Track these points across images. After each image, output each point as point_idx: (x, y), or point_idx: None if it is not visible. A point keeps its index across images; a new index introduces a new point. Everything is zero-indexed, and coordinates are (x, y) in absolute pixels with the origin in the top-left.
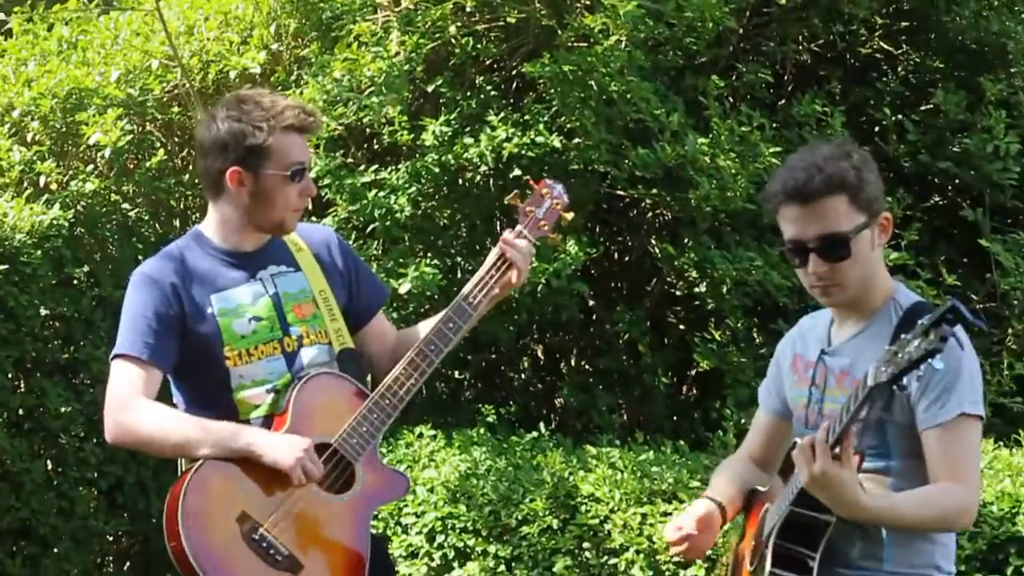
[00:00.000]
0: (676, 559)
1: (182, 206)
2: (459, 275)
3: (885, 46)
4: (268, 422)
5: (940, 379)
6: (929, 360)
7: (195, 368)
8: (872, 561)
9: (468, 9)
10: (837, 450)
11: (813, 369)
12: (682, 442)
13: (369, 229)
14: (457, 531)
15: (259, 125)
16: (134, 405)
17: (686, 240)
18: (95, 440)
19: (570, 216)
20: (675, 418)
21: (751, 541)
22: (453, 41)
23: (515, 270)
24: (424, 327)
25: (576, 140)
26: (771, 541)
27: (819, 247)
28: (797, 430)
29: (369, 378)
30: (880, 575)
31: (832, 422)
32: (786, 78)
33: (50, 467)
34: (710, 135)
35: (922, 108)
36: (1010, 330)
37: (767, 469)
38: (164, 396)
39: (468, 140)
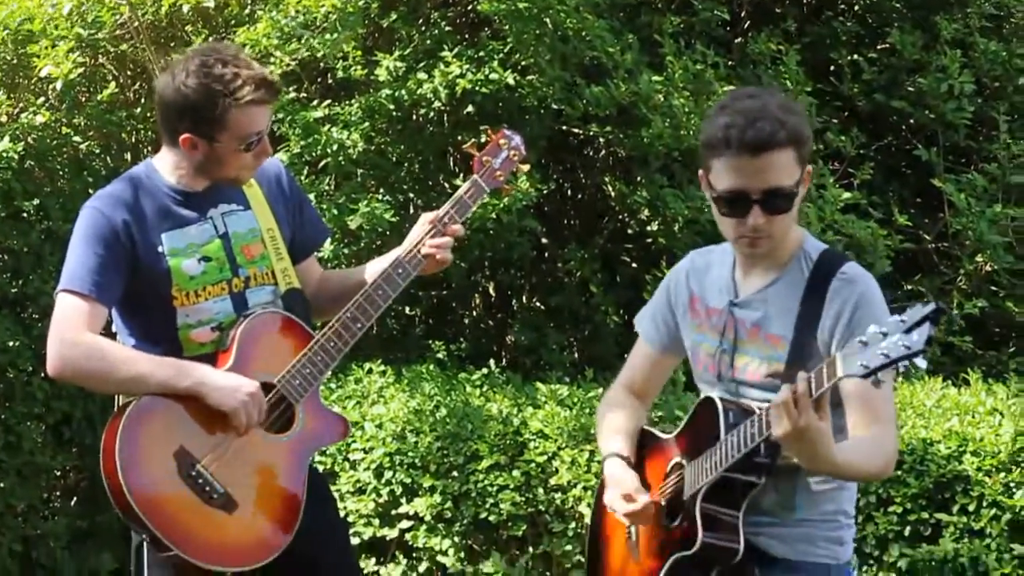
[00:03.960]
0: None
1: (133, 139)
2: (411, 211)
3: None
4: (212, 359)
5: (863, 328)
6: (914, 360)
7: (140, 304)
8: (785, 511)
9: None
10: None
11: (722, 319)
12: None
13: (321, 164)
14: (405, 467)
15: (215, 100)
16: (79, 340)
17: (639, 178)
18: (43, 375)
19: (526, 168)
20: (625, 356)
21: (656, 490)
22: None
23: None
24: (353, 274)
25: (530, 77)
26: (698, 506)
27: (764, 200)
28: (705, 377)
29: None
30: (792, 523)
31: (811, 378)
32: (742, 16)
33: None
34: (664, 73)
35: (877, 47)
36: (961, 270)
37: (645, 401)
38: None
39: (422, 76)
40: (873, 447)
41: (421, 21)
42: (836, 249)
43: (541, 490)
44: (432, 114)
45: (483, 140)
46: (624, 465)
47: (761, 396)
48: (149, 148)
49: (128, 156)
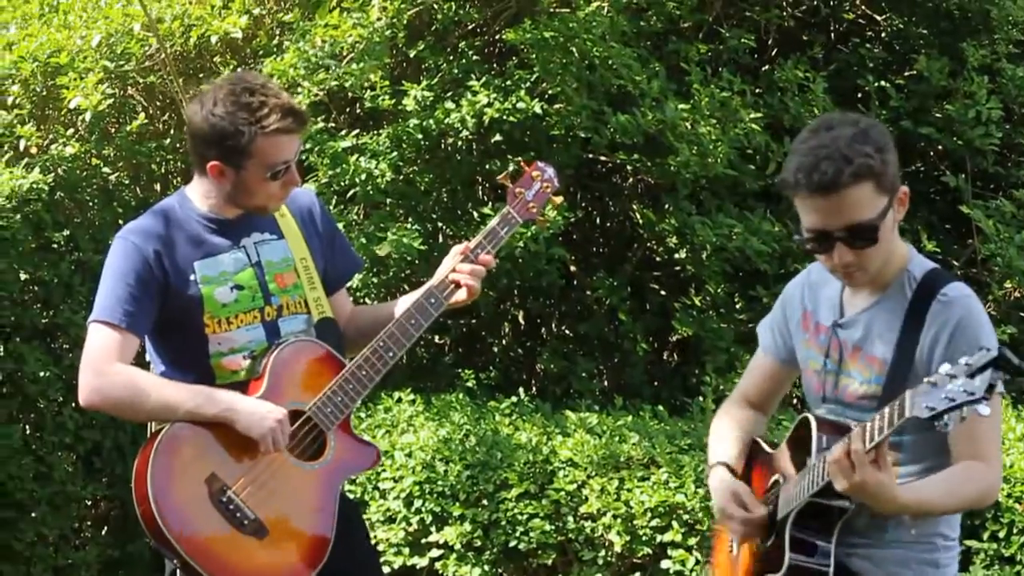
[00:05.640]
0: (653, 524)
1: (162, 170)
2: (440, 240)
3: (868, 12)
4: (244, 387)
5: (960, 353)
6: (975, 407)
7: (173, 332)
8: (876, 530)
9: None
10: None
11: (827, 338)
12: (661, 407)
13: (350, 194)
14: (435, 496)
15: (242, 129)
16: (110, 370)
17: (667, 206)
18: (73, 405)
19: (559, 200)
20: (655, 384)
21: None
22: (435, 6)
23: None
24: (383, 308)
25: (557, 106)
26: (788, 529)
27: (846, 236)
28: (811, 398)
29: None
30: (883, 543)
31: (867, 429)
32: (769, 43)
33: (28, 432)
34: (691, 101)
35: (905, 74)
36: (990, 296)
37: (763, 411)
38: (140, 360)
39: (449, 105)
40: (959, 482)
41: (448, 51)
42: (942, 270)
43: (571, 518)
44: (460, 143)
45: (515, 170)
46: (722, 473)
47: (859, 417)
48: (179, 179)
49: (157, 187)
